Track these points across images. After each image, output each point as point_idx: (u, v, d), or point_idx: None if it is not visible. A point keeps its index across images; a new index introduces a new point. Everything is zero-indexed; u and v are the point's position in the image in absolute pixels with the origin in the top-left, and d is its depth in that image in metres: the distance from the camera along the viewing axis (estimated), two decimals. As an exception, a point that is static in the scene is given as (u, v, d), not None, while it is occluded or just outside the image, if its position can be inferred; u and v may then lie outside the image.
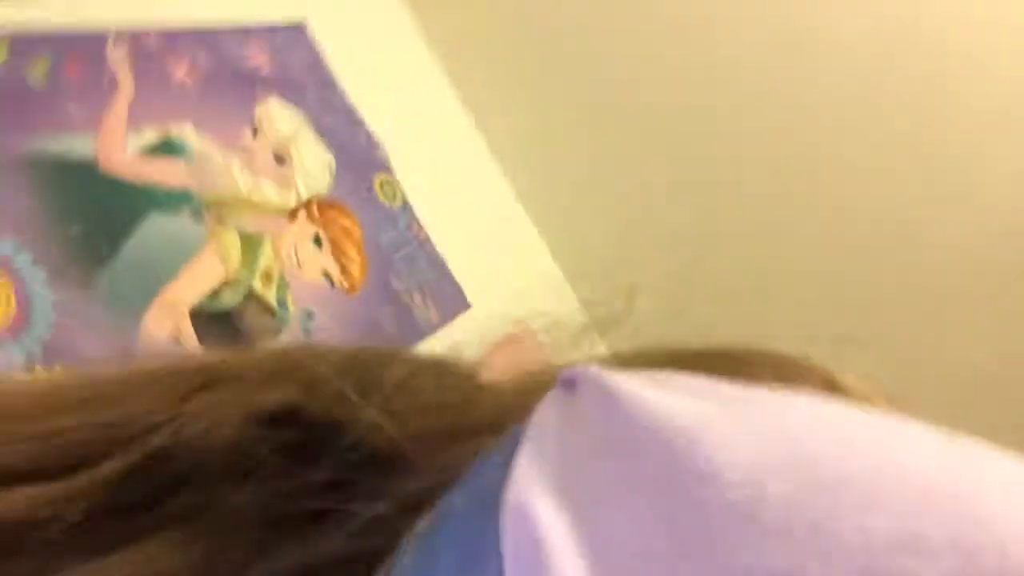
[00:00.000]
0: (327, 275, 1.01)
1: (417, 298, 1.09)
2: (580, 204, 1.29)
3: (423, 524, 0.20)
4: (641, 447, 0.18)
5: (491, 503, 0.18)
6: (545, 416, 0.20)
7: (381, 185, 1.11)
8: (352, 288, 1.03)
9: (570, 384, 0.21)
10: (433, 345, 1.08)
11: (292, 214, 1.01)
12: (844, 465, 0.17)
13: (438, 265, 1.14)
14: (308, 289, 0.98)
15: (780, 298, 1.15)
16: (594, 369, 0.21)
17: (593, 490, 0.18)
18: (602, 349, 0.27)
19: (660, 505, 0.17)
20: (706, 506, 0.16)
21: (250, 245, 0.96)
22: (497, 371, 0.28)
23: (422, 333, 1.08)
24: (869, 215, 1.09)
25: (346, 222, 1.05)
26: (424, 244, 1.13)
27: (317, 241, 1.02)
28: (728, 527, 0.16)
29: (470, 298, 1.16)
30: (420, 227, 1.14)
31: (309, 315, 0.97)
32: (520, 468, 0.19)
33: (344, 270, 1.02)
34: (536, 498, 0.18)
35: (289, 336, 0.94)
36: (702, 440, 0.17)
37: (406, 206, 1.13)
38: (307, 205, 1.03)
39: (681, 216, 1.22)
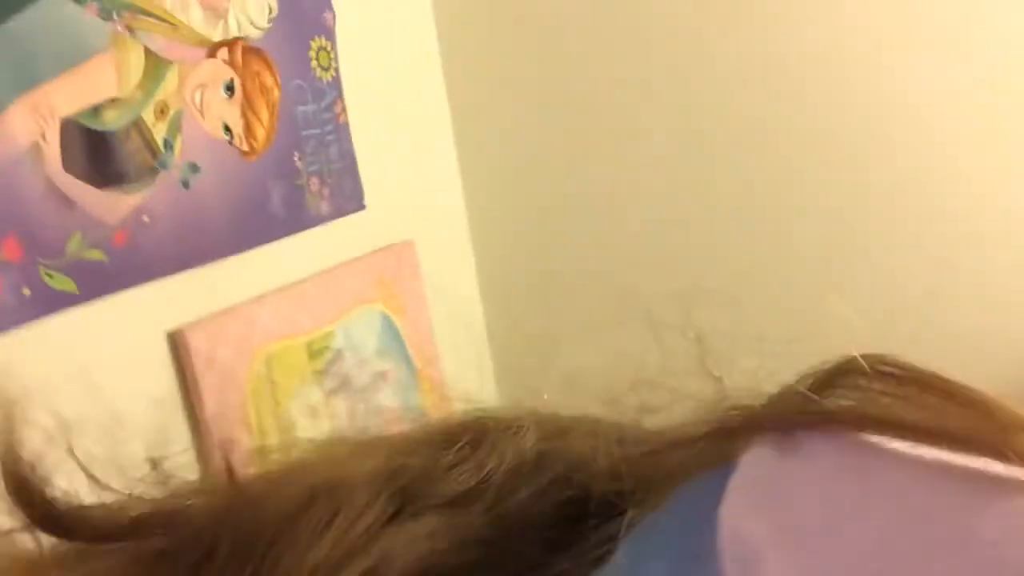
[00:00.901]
0: (228, 129, 0.91)
1: (314, 184, 1.00)
2: (511, 162, 1.23)
3: (629, 540, 0.22)
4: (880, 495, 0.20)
5: (703, 522, 0.20)
6: (762, 451, 0.22)
7: (318, 52, 1.00)
8: (251, 152, 0.93)
9: (789, 430, 0.23)
10: (317, 237, 1.00)
11: (212, 50, 0.89)
12: None
13: (347, 157, 1.05)
14: (202, 140, 0.88)
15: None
16: (831, 423, 0.22)
17: (805, 518, 0.20)
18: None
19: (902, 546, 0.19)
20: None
21: (155, 68, 0.84)
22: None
23: (308, 222, 1.00)
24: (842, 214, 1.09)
25: (268, 78, 0.94)
26: (341, 130, 1.04)
27: (229, 89, 0.91)
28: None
29: (368, 200, 1.08)
30: (343, 111, 1.04)
31: (193, 169, 0.87)
32: (734, 492, 0.21)
33: (249, 130, 0.92)
34: (750, 521, 0.20)
35: (161, 185, 0.84)
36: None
37: (336, 83, 1.03)
38: (231, 45, 0.91)
39: (602, 186, 1.18)
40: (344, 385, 1.02)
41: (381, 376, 1.07)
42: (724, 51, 1.08)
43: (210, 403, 0.85)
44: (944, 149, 1.01)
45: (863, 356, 0.25)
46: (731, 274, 1.11)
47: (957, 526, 0.20)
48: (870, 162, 1.04)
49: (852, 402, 0.25)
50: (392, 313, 1.09)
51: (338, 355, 1.02)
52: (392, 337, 1.09)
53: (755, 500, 0.21)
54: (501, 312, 1.28)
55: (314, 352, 0.99)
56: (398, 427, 0.30)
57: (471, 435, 0.28)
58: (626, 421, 0.30)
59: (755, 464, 0.22)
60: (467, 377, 1.23)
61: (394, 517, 0.25)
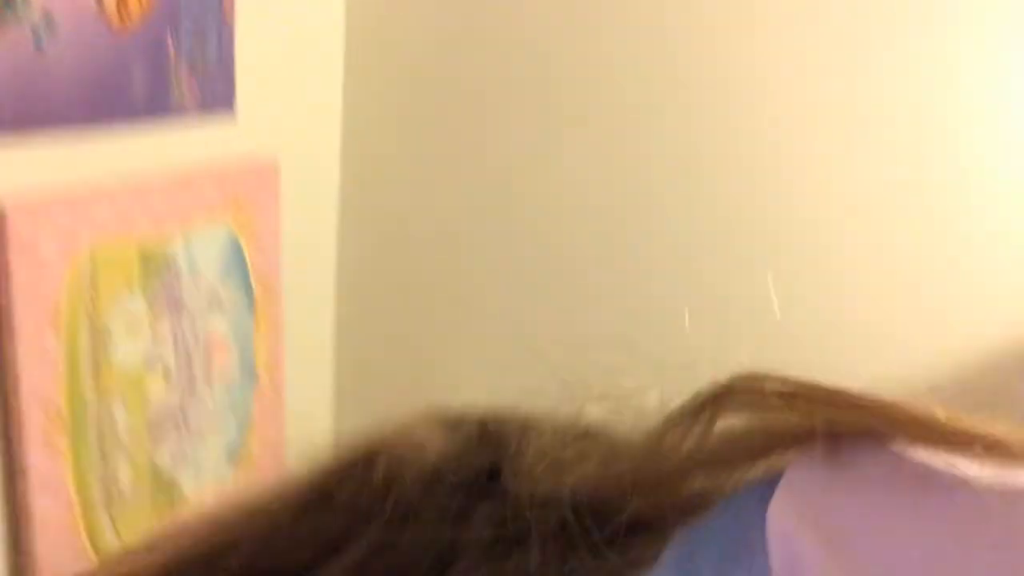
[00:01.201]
0: (99, -6, 0.79)
1: (184, 73, 0.90)
2: (397, 103, 1.16)
3: (679, 540, 0.22)
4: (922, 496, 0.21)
5: (752, 523, 0.21)
6: (809, 460, 0.23)
7: (217, -67, 0.90)
8: (120, 26, 0.82)
9: (835, 442, 0.23)
10: (175, 134, 0.90)
11: (98, -102, 0.78)
12: None
13: (226, 55, 0.95)
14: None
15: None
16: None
17: (851, 523, 0.21)
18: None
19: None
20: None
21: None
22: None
23: (168, 112, 0.90)
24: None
25: (155, -53, 0.83)
26: (224, 26, 0.94)
27: (109, -53, 0.79)
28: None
29: (239, 108, 0.98)
30: (232, 8, 0.94)
31: (49, 25, 0.75)
32: (782, 496, 0.22)
33: (123, 1, 0.81)
34: (797, 523, 0.21)
35: (10, 38, 0.72)
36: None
37: (230, -27, 0.93)
38: (120, -102, 0.80)
39: (489, 147, 1.13)
40: (174, 302, 0.93)
41: (217, 300, 0.99)
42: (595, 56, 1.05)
43: (19, 295, 0.75)
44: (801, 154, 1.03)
45: (743, 377, 0.26)
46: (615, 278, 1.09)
47: (1001, 537, 0.20)
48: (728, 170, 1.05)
49: (796, 416, 0.25)
50: (241, 236, 1.00)
51: (173, 268, 0.92)
52: (236, 262, 1.01)
53: (802, 505, 0.22)
54: (354, 258, 1.21)
55: (147, 260, 0.89)
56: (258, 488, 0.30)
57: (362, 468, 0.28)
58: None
59: (802, 471, 0.23)
60: (307, 317, 1.16)
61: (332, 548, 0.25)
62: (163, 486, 0.95)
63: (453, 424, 0.30)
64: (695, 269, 1.07)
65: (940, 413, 0.24)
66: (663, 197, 1.07)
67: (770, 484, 0.23)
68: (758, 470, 0.25)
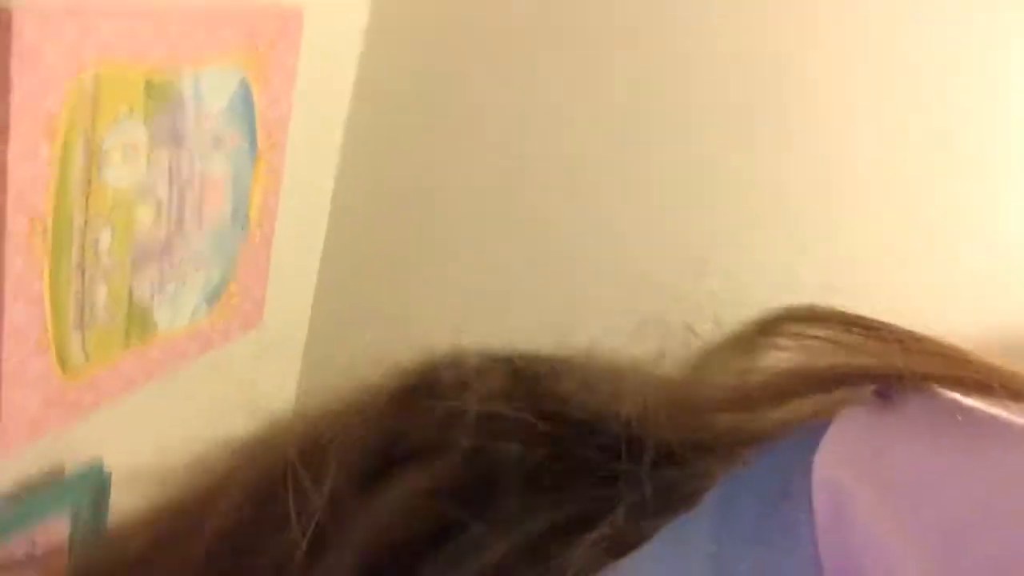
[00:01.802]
0: None
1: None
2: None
3: (721, 481, 0.22)
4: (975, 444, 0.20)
5: (796, 467, 0.21)
6: (858, 408, 0.23)
7: None
8: None
9: (887, 391, 0.23)
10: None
11: None
12: None
13: None
14: None
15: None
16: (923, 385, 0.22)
17: (900, 471, 0.20)
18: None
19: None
20: None
21: None
22: None
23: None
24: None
25: None
26: None
27: None
28: None
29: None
30: None
31: None
32: (830, 445, 0.21)
33: None
34: (842, 470, 0.20)
35: None
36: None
37: None
38: None
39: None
40: (175, 136, 0.91)
41: (219, 141, 0.97)
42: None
43: (17, 99, 0.73)
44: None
45: (795, 308, 0.25)
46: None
47: None
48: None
49: (811, 353, 0.25)
50: (253, 82, 0.98)
51: (179, 102, 0.91)
52: (244, 107, 0.99)
53: (850, 452, 0.21)
54: (366, 125, 1.19)
55: (153, 88, 0.87)
56: (338, 395, 0.29)
57: (425, 387, 0.27)
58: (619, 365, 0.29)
59: (850, 418, 0.22)
60: (307, 177, 1.15)
61: (368, 483, 0.24)
62: (138, 317, 0.95)
63: (487, 359, 0.30)
64: (677, 225, 1.06)
65: (993, 360, 0.23)
66: (650, 146, 1.05)
67: (816, 430, 0.22)
68: (801, 410, 0.24)
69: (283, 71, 1.02)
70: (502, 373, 0.28)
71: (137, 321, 0.95)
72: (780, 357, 0.26)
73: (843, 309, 0.25)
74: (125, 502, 0.85)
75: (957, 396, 0.22)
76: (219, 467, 0.29)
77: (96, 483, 0.95)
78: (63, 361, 0.88)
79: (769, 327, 0.25)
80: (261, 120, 1.02)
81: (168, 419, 1.05)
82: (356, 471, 0.25)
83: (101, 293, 0.90)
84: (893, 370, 0.23)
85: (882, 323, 0.25)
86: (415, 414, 0.27)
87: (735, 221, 1.04)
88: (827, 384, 0.24)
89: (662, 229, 1.07)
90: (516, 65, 1.10)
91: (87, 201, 0.84)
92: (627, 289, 1.07)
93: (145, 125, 0.87)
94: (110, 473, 0.97)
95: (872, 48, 0.97)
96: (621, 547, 0.22)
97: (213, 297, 1.05)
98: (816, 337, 0.25)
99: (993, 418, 0.21)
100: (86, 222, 0.85)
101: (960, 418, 0.21)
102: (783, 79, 1.00)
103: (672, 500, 0.23)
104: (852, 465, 0.21)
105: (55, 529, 0.95)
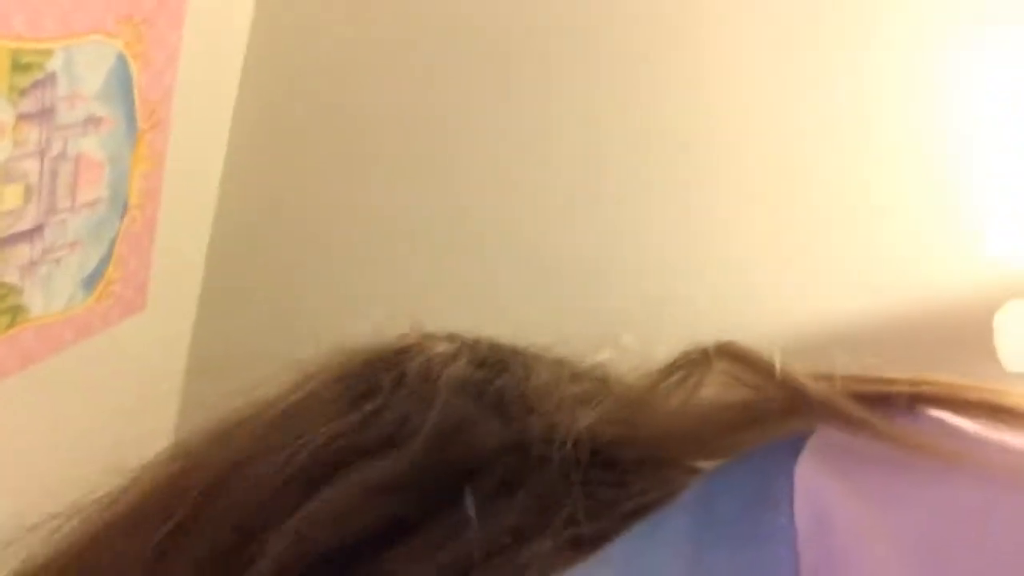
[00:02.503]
0: None
1: None
2: None
3: (698, 483, 0.22)
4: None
5: (778, 473, 0.20)
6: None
7: None
8: None
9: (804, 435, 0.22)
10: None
11: None
12: None
13: None
14: None
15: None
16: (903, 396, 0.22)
17: (880, 482, 0.20)
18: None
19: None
20: None
21: None
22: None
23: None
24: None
25: None
26: None
27: None
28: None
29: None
30: None
31: None
32: (812, 452, 0.21)
33: None
34: (824, 477, 0.20)
35: None
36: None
37: None
38: None
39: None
40: (45, 113, 0.87)
41: (94, 120, 0.93)
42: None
43: None
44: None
45: (717, 345, 0.25)
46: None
47: None
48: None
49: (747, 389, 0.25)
50: (132, 58, 0.94)
51: (49, 79, 0.86)
52: (122, 84, 0.95)
53: (832, 459, 0.21)
54: (255, 102, 1.15)
55: (20, 66, 0.83)
56: (282, 387, 0.28)
57: (387, 372, 0.26)
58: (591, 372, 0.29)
59: (832, 431, 0.22)
60: (194, 156, 1.11)
61: (314, 486, 0.23)
62: (8, 303, 0.91)
63: (454, 341, 0.29)
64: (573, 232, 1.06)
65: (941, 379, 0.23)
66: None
67: (798, 439, 0.22)
68: (742, 440, 0.24)
69: (165, 47, 0.98)
70: (468, 363, 0.28)
71: (6, 306, 0.91)
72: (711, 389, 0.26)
73: (765, 355, 0.25)
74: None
75: (940, 414, 0.22)
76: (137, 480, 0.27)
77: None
78: (-77, 349, 0.84)
79: (704, 361, 0.25)
80: (141, 98, 0.98)
81: (46, 408, 1.01)
82: (307, 462, 0.24)
83: (-35, 278, 0.86)
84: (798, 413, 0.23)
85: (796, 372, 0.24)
86: (375, 402, 0.26)
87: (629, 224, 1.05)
88: (761, 419, 0.24)
89: (561, 228, 1.07)
90: (412, 37, 1.08)
91: (-54, 182, 0.80)
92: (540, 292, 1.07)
93: (10, 102, 0.83)
94: (-21, 465, 0.93)
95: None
96: (584, 546, 0.22)
97: (91, 282, 1.01)
98: (738, 377, 0.25)
99: (976, 436, 0.21)
100: (-55, 203, 0.81)
101: (942, 434, 0.21)
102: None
103: (630, 505, 0.23)
104: (834, 473, 0.21)
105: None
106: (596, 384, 0.29)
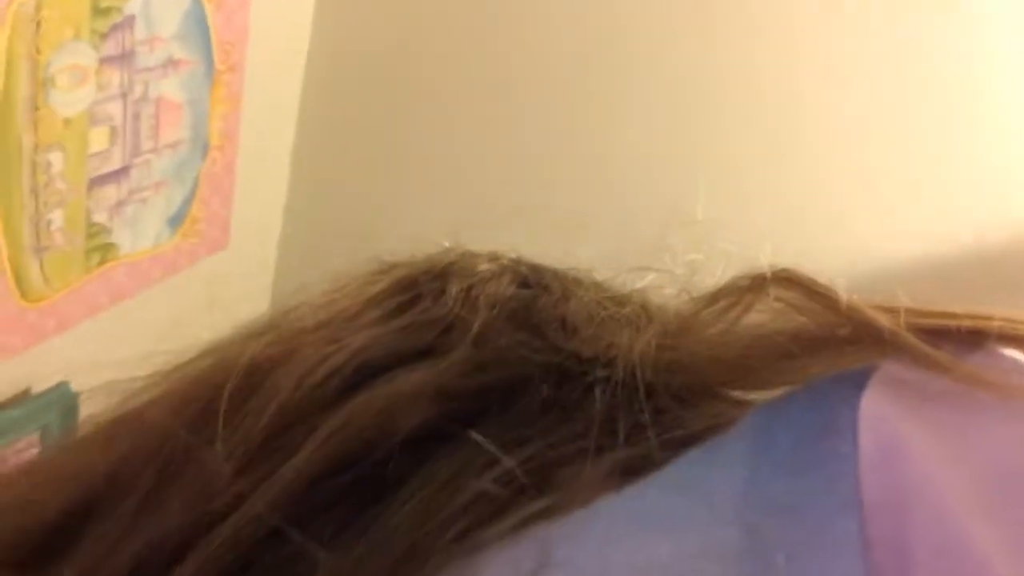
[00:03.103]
0: None
1: None
2: None
3: (752, 414, 0.21)
4: None
5: (841, 404, 0.20)
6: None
7: None
8: None
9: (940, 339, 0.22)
10: None
11: None
12: None
13: None
14: None
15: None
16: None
17: (951, 415, 0.20)
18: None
19: None
20: None
21: None
22: None
23: None
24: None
25: None
26: None
27: None
28: None
29: None
30: None
31: None
32: (879, 385, 0.20)
33: None
34: (892, 408, 0.20)
35: None
36: None
37: None
38: None
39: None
40: (126, 57, 0.90)
41: (172, 63, 0.96)
42: None
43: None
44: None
45: (778, 271, 0.24)
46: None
47: None
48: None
49: (796, 316, 0.24)
50: (206, 2, 0.96)
51: (128, 22, 0.89)
52: (198, 26, 0.97)
53: (900, 391, 0.21)
54: (329, 41, 1.17)
55: (99, 10, 0.85)
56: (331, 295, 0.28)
57: (429, 285, 0.26)
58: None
59: (899, 367, 0.21)
60: (270, 95, 1.13)
61: (359, 384, 0.23)
62: (98, 241, 0.96)
63: (496, 266, 0.28)
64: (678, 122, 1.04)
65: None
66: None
67: (863, 372, 0.21)
68: (793, 370, 0.23)
69: (239, -12, 1.00)
70: (510, 282, 0.27)
71: (98, 245, 0.96)
72: (757, 318, 0.25)
73: (823, 281, 0.24)
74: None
75: (1009, 351, 0.21)
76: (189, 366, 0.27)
77: (64, 402, 0.97)
78: (22, 286, 0.89)
79: (758, 286, 0.24)
80: (217, 40, 1.00)
81: (135, 342, 1.06)
82: (325, 378, 0.23)
83: (57, 217, 0.90)
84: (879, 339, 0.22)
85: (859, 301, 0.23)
86: (418, 311, 0.25)
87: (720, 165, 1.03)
88: (810, 348, 0.23)
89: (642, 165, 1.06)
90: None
91: (35, 126, 0.84)
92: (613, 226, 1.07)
93: (92, 46, 0.86)
94: (78, 393, 0.99)
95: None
96: (626, 472, 0.22)
97: (176, 220, 1.05)
98: (798, 305, 0.24)
99: None
100: (36, 146, 0.84)
101: (1013, 371, 0.21)
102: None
103: (678, 434, 0.23)
104: (902, 405, 0.20)
105: (26, 447, 0.98)
106: (638, 309, 0.28)
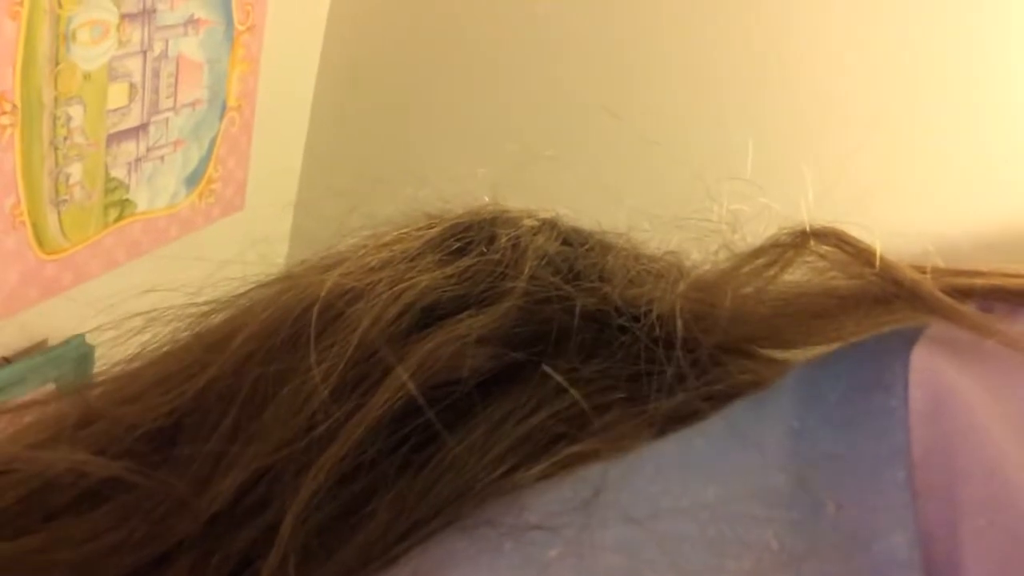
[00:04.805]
0: None
1: None
2: None
3: (799, 368, 0.22)
4: None
5: (892, 358, 0.20)
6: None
7: None
8: None
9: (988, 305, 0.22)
10: None
11: None
12: None
13: None
14: None
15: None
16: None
17: (1005, 372, 0.20)
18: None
19: None
20: None
21: None
22: None
23: None
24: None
25: None
26: None
27: None
28: None
29: None
30: None
31: None
32: (930, 341, 0.21)
33: None
34: (945, 363, 0.20)
35: None
36: None
37: None
38: None
39: None
40: (147, 14, 0.91)
41: (192, 22, 0.96)
42: None
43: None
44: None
45: (818, 228, 0.24)
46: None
47: None
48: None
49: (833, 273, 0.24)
50: (227, -41, 0.97)
51: (150, -20, 0.90)
52: (218, -14, 0.98)
53: (948, 352, 0.20)
54: (350, 2, 1.17)
55: (122, -35, 0.86)
56: (389, 237, 0.28)
57: (479, 234, 0.27)
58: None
59: (948, 326, 0.21)
60: (289, 56, 1.14)
61: (427, 324, 0.24)
62: (115, 196, 0.97)
63: (535, 216, 0.29)
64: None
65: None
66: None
67: (914, 330, 0.21)
68: (830, 328, 0.23)
69: (261, -50, 1.00)
70: (554, 237, 0.28)
71: (116, 199, 0.97)
72: (793, 275, 0.26)
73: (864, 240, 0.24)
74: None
75: None
76: (240, 308, 0.27)
77: (79, 354, 0.99)
78: (40, 238, 0.90)
79: (801, 242, 0.24)
80: (237, 2, 1.01)
81: (151, 300, 1.08)
82: (399, 315, 0.24)
83: (76, 170, 0.91)
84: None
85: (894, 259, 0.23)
86: (469, 260, 0.26)
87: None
88: (848, 306, 0.23)
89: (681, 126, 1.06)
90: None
91: (56, 80, 0.85)
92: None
93: (114, 3, 0.87)
94: (93, 346, 1.01)
95: None
96: (665, 423, 0.22)
97: (193, 180, 1.06)
98: (837, 263, 0.24)
99: None
100: (56, 99, 0.85)
101: None
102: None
103: (717, 388, 0.23)
104: (952, 361, 0.20)
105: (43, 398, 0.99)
106: (673, 267, 0.28)
